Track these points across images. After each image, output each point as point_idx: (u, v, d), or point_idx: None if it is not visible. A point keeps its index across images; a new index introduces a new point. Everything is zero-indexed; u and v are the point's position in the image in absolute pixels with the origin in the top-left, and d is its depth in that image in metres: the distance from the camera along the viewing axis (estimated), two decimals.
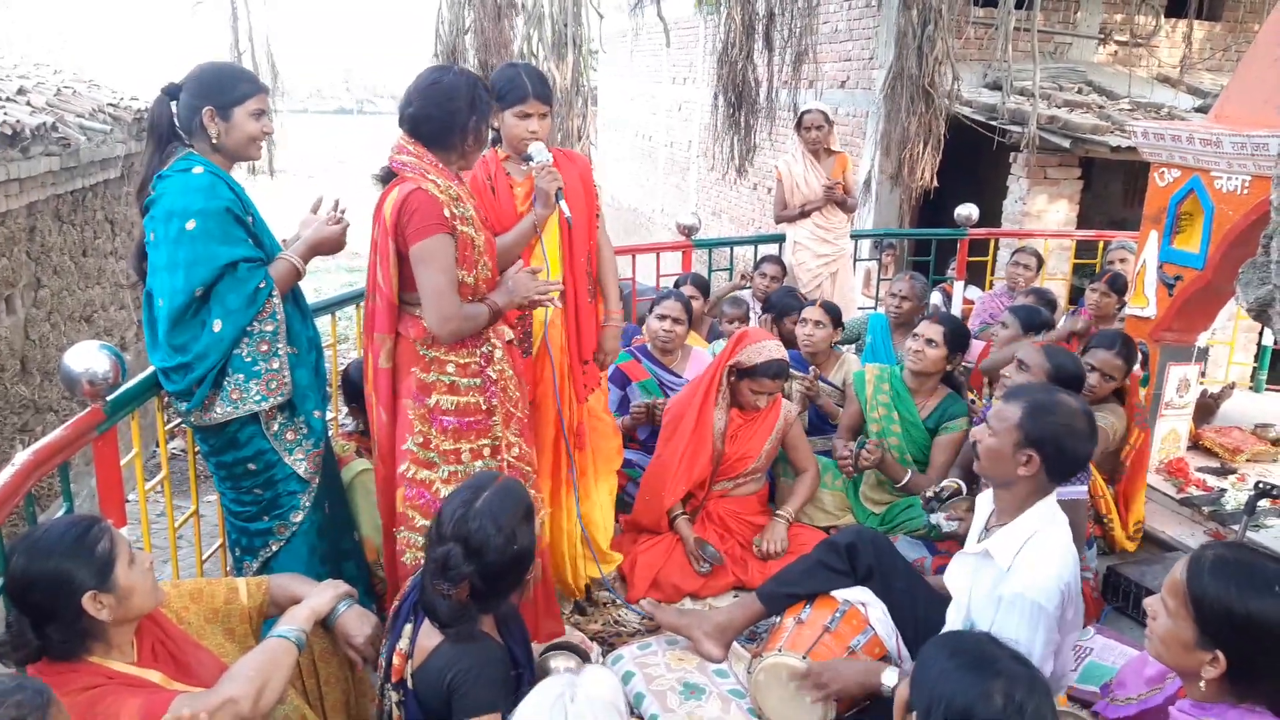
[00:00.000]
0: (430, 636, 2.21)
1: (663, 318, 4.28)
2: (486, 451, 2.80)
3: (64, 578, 1.90)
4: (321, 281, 13.21)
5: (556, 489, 3.39)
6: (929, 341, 3.86)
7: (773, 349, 3.71)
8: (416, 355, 2.72)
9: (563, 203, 3.12)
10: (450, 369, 2.73)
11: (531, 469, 2.94)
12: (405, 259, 2.64)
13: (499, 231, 3.11)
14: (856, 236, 6.35)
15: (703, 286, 5.25)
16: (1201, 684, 1.80)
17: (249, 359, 2.61)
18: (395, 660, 2.24)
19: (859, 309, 6.32)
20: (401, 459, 2.77)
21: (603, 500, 3.56)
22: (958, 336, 3.91)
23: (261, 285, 2.62)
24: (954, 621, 2.60)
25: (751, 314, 5.50)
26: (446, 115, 2.67)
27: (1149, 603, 1.92)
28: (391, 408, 2.79)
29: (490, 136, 3.34)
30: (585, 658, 2.61)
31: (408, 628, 2.25)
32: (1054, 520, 2.45)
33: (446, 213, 2.60)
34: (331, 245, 2.87)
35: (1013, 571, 2.38)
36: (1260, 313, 1.99)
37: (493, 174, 3.23)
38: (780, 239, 6.06)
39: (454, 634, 2.20)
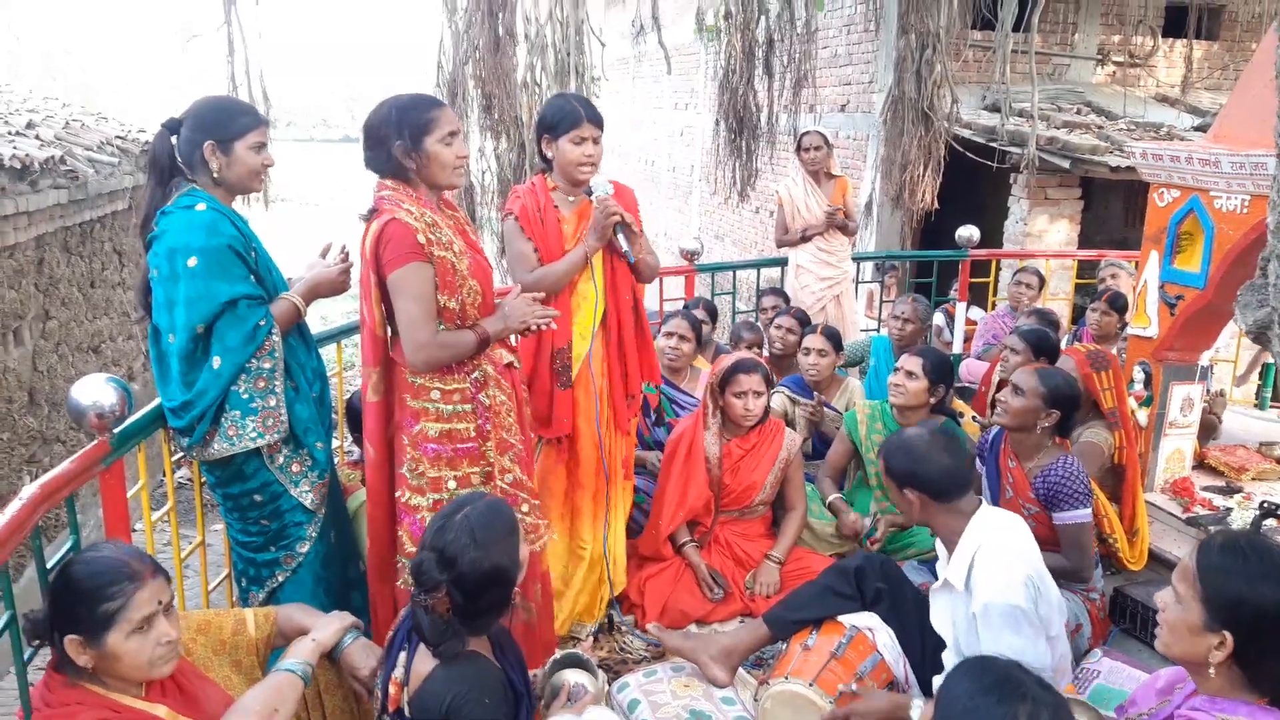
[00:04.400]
0: (425, 662, 2.21)
1: (669, 335, 4.35)
2: (476, 479, 2.79)
3: (65, 609, 1.93)
4: (328, 310, 13.23)
5: (598, 515, 3.46)
6: (909, 374, 3.82)
7: (740, 355, 3.82)
8: (406, 382, 2.74)
9: (622, 238, 3.20)
10: (434, 395, 2.73)
11: (528, 496, 2.94)
12: (387, 289, 2.67)
13: (546, 263, 3.20)
14: (858, 259, 6.39)
15: (712, 311, 5.27)
16: (1211, 670, 1.83)
17: (246, 396, 2.62)
18: (391, 689, 2.24)
19: (862, 331, 6.33)
20: (399, 485, 2.79)
21: (620, 527, 3.61)
22: (939, 367, 3.85)
23: (261, 323, 2.64)
24: (950, 663, 2.64)
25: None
26: (375, 146, 2.69)
27: (1159, 596, 1.96)
28: (381, 441, 2.80)
29: (539, 166, 3.43)
30: (593, 671, 2.60)
31: (402, 656, 2.25)
32: (993, 529, 2.61)
33: (421, 239, 2.61)
34: (331, 287, 2.91)
35: (973, 589, 2.54)
36: (1259, 335, 2.00)
37: (541, 205, 3.26)
38: (783, 262, 6.08)
39: (442, 653, 2.19)
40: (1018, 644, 2.43)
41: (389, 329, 2.78)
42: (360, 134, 2.76)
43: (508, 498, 2.79)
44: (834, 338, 4.52)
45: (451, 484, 2.76)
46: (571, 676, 2.53)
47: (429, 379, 2.72)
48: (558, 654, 2.67)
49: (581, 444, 3.37)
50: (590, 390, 3.34)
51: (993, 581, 2.50)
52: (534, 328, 2.86)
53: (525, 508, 2.87)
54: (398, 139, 2.66)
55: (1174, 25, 10.28)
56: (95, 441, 2.50)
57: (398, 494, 2.79)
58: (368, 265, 2.67)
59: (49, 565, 2.21)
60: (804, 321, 4.89)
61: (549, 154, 3.25)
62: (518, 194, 3.34)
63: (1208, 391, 4.92)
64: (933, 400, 3.87)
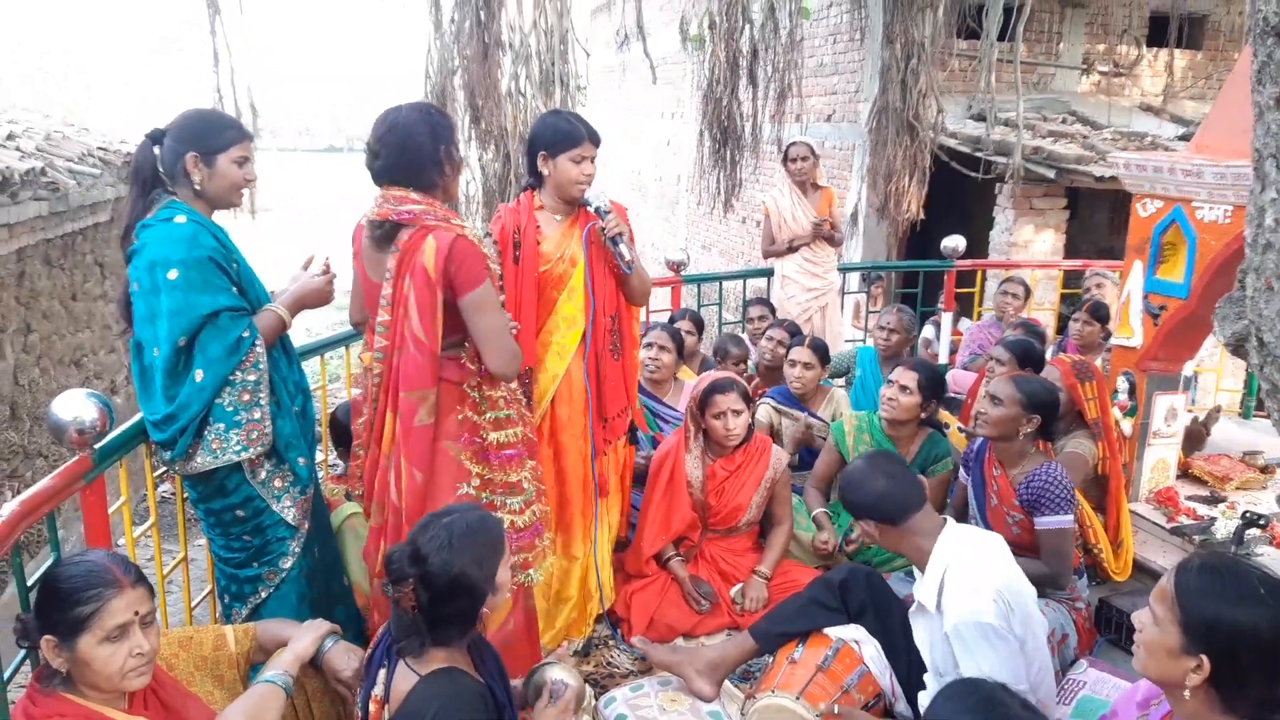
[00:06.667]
0: (405, 679, 2.19)
1: (649, 346, 4.29)
2: (539, 473, 2.90)
3: (44, 610, 1.95)
4: (312, 322, 13.19)
5: (587, 530, 3.45)
6: (903, 389, 3.78)
7: (715, 374, 3.80)
8: (464, 398, 2.69)
9: (624, 247, 3.18)
10: (501, 403, 2.75)
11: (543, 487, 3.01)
12: (450, 308, 2.58)
13: (516, 290, 3.18)
14: (844, 270, 6.40)
15: (698, 322, 5.27)
16: (1186, 692, 1.80)
17: (230, 408, 2.60)
18: (371, 707, 2.22)
19: (847, 341, 6.34)
20: None
21: (607, 542, 3.59)
22: (933, 383, 3.82)
23: (245, 335, 2.62)
24: (932, 686, 2.65)
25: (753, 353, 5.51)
26: (413, 153, 2.59)
27: (1137, 616, 1.94)
28: (428, 464, 2.67)
29: (525, 181, 3.38)
30: (574, 676, 2.58)
31: (382, 673, 2.24)
32: (961, 547, 2.60)
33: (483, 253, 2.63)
34: (317, 299, 2.88)
35: (944, 610, 2.52)
36: (1238, 348, 2.00)
37: (523, 226, 3.20)
38: (769, 273, 6.09)
39: (402, 649, 2.19)
40: (993, 660, 2.42)
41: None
42: (379, 139, 2.60)
43: (544, 521, 2.85)
44: (820, 350, 4.50)
45: (527, 482, 2.80)
46: (553, 674, 2.52)
47: (494, 388, 2.74)
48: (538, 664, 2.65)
49: (568, 459, 3.35)
50: (574, 406, 3.32)
51: (962, 601, 2.48)
52: None
53: (549, 536, 2.93)
54: (439, 142, 2.62)
55: (1158, 35, 10.37)
56: (76, 457, 2.48)
57: None
58: (431, 285, 2.53)
59: (29, 582, 2.19)
60: (795, 334, 4.88)
61: (545, 170, 3.19)
62: (500, 214, 3.30)
63: (1193, 403, 4.95)
64: (923, 415, 3.85)
